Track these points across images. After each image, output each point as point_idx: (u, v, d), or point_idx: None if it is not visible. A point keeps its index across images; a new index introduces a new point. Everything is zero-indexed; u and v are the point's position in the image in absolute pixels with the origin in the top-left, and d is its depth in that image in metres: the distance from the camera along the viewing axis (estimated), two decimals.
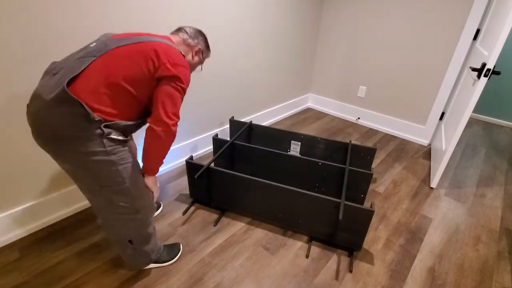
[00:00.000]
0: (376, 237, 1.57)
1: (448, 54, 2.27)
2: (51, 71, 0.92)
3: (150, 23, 1.58)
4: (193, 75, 1.95)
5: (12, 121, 1.27)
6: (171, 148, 2.02)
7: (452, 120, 2.02)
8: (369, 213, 1.27)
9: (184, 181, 1.96)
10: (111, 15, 1.41)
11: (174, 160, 2.10)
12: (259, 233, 1.56)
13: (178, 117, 1.04)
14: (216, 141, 1.92)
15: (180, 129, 2.04)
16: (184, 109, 1.99)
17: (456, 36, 2.19)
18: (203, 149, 2.30)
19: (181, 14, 1.70)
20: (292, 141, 2.04)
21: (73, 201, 1.62)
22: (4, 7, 1.11)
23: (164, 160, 1.11)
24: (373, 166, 2.23)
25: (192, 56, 1.20)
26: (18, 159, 1.35)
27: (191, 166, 1.60)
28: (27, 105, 0.93)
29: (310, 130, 2.81)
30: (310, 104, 3.44)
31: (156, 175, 1.16)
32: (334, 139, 2.61)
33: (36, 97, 0.88)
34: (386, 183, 2.05)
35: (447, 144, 1.91)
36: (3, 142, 1.28)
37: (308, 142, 1.97)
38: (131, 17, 1.49)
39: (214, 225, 1.59)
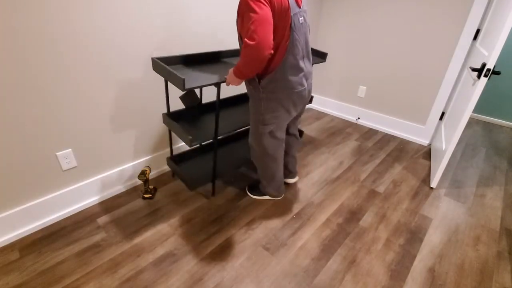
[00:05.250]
0: (376, 237, 1.57)
1: (448, 54, 2.27)
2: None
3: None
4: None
5: (12, 119, 1.28)
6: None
7: (452, 120, 2.02)
8: None
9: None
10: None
11: None
12: (259, 233, 1.56)
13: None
14: None
15: None
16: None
17: (456, 36, 2.19)
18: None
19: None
20: None
21: (73, 201, 1.62)
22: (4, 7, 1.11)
23: None
24: (373, 166, 2.23)
25: None
26: (18, 159, 1.35)
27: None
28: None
29: (310, 130, 2.81)
30: (309, 104, 3.44)
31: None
32: (334, 139, 2.63)
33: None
34: (386, 183, 2.05)
35: (447, 144, 1.91)
36: (3, 143, 1.28)
37: None
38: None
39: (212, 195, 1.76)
